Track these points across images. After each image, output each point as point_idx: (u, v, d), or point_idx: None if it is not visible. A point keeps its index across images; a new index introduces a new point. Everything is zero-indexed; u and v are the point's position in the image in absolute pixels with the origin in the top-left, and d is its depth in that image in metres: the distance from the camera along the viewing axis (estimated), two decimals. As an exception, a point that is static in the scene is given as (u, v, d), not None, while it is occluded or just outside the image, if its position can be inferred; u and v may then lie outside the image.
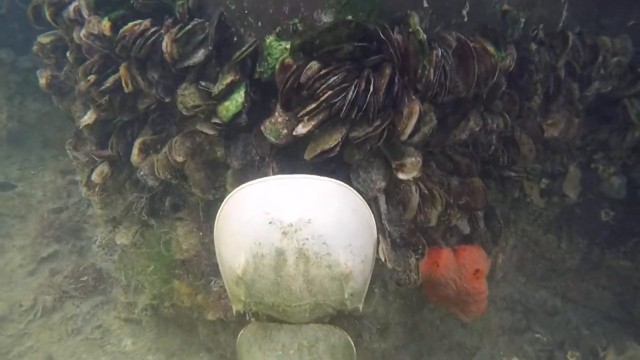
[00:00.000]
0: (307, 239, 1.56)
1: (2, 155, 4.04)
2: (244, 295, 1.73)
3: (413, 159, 1.82)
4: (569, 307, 2.97)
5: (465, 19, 1.96)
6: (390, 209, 1.87)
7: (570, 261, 2.97)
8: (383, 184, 1.81)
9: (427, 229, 2.03)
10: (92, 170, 2.45)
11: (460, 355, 2.71)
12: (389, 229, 1.84)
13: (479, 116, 1.94)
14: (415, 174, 1.79)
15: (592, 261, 2.95)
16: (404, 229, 1.91)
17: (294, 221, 1.55)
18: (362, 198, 1.71)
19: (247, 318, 1.89)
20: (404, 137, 1.64)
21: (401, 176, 1.78)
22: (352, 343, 1.82)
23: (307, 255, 1.57)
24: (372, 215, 1.76)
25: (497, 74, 1.84)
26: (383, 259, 1.78)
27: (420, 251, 1.96)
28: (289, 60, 1.76)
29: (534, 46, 2.12)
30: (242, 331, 1.92)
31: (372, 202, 1.83)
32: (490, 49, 1.82)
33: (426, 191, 1.86)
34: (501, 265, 2.85)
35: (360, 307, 1.81)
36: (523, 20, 2.18)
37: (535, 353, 2.74)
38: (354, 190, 1.70)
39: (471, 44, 1.75)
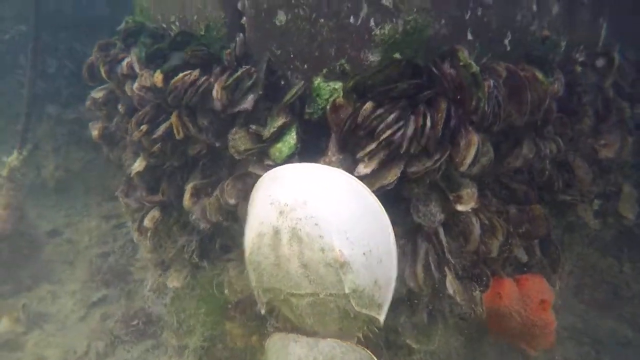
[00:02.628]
0: (300, 219, 1.59)
1: (49, 204, 4.21)
2: (255, 281, 1.79)
3: (469, 190, 1.79)
4: (642, 337, 2.79)
5: (508, 48, 1.97)
6: (449, 241, 1.84)
7: (636, 286, 2.81)
8: (443, 216, 1.79)
9: (487, 259, 1.97)
10: (143, 216, 2.51)
11: (525, 390, 2.57)
12: (452, 262, 1.79)
13: (532, 143, 1.92)
14: (472, 204, 1.76)
15: (660, 285, 2.80)
16: (465, 261, 1.87)
17: (290, 201, 1.62)
18: (372, 193, 1.64)
19: (264, 314, 1.92)
20: (464, 168, 1.63)
21: (460, 208, 1.75)
22: None
23: (300, 236, 1.59)
24: (385, 214, 1.66)
25: (548, 100, 1.82)
26: (451, 292, 1.73)
27: (484, 283, 1.90)
28: (340, 100, 1.79)
29: (579, 68, 2.10)
30: (267, 340, 1.97)
31: (432, 236, 1.80)
32: (540, 75, 1.82)
33: (486, 221, 1.82)
34: (558, 292, 2.72)
35: (380, 318, 1.68)
36: (564, 43, 2.18)
37: (609, 387, 2.58)
38: (362, 184, 1.65)
39: (521, 73, 1.74)
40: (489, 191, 1.97)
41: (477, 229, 1.78)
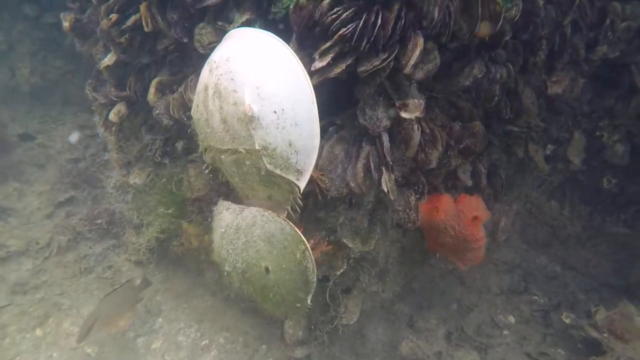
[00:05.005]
0: (222, 74, 1.66)
1: (23, 109, 4.18)
2: (199, 140, 1.92)
3: (416, 100, 1.88)
4: (568, 273, 3.01)
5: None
6: (393, 149, 1.94)
7: (572, 228, 3.00)
8: (388, 123, 1.88)
9: (429, 173, 2.09)
10: (110, 111, 2.56)
11: (458, 311, 2.77)
12: (392, 163, 1.89)
13: (482, 64, 1.99)
14: (417, 114, 1.85)
15: (593, 228, 2.99)
16: (405, 169, 1.98)
17: (217, 59, 1.70)
18: (296, 58, 1.64)
19: (208, 172, 2.03)
20: (408, 70, 1.71)
21: (404, 115, 1.84)
22: (300, 238, 1.73)
23: (220, 90, 1.66)
24: (310, 85, 1.64)
25: (501, 21, 1.88)
26: (386, 190, 1.84)
27: (420, 190, 2.02)
28: (303, 1, 1.83)
29: (540, 1, 2.15)
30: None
31: (376, 139, 1.90)
32: (497, -4, 1.86)
33: (428, 131, 1.92)
34: (503, 228, 2.90)
35: (300, 184, 1.69)
36: (529, -27, 2.21)
37: (531, 313, 2.80)
38: (292, 51, 1.66)
39: (478, -11, 1.79)
40: (438, 108, 2.06)
41: (417, 135, 1.87)
